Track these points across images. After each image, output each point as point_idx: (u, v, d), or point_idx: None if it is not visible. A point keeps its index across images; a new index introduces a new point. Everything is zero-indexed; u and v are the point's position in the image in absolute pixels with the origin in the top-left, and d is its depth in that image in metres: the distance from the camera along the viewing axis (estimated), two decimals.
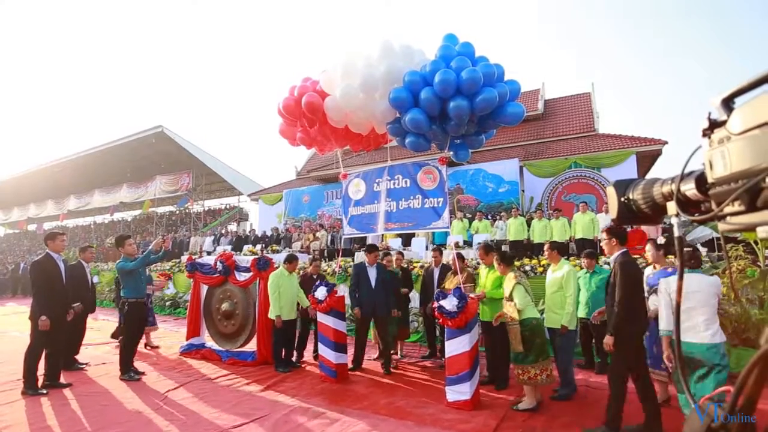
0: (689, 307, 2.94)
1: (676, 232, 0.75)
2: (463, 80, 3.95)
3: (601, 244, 3.72)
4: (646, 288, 3.90)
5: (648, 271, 4.10)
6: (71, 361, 5.42)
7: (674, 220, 0.76)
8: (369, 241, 11.21)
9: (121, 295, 5.25)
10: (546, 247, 4.57)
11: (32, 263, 4.78)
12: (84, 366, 5.50)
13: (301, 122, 5.12)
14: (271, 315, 5.15)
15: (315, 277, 5.65)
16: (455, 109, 4.05)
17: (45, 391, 4.42)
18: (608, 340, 3.18)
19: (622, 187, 0.91)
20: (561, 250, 4.49)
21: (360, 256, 10.29)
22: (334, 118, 4.81)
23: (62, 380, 4.76)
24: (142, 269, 5.22)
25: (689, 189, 0.71)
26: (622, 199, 0.90)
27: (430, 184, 4.84)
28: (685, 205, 0.74)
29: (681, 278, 0.82)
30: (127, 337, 5.09)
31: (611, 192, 0.93)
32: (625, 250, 3.35)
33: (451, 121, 4.27)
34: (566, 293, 4.09)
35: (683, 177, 0.73)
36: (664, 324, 3.13)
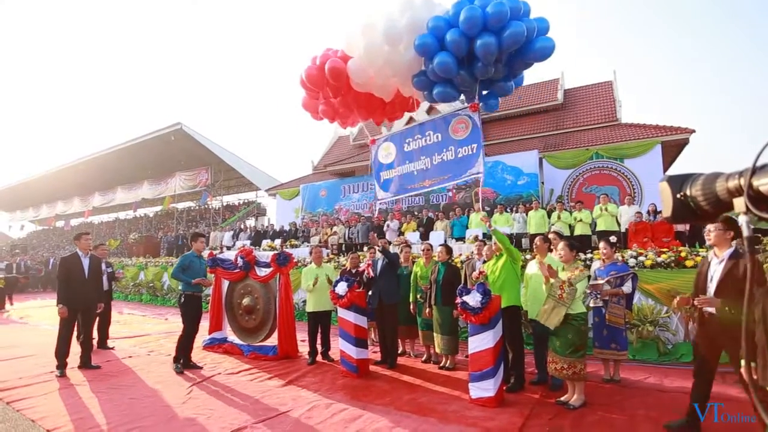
0: None
1: (746, 231, 0.69)
2: (489, 15, 3.77)
3: (708, 235, 3.03)
4: (594, 277, 4.40)
5: (596, 264, 4.61)
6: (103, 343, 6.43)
7: (743, 218, 0.70)
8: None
9: (179, 290, 5.57)
10: (538, 238, 4.28)
11: (60, 259, 5.21)
12: (111, 348, 6.38)
13: (324, 93, 5.02)
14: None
15: (354, 271, 5.46)
16: (483, 47, 3.89)
17: (60, 373, 4.83)
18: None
19: (677, 182, 0.84)
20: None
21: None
22: (358, 82, 4.70)
23: (93, 363, 5.26)
24: (200, 265, 5.47)
25: (763, 184, 0.65)
26: (678, 196, 0.83)
27: (462, 134, 4.76)
28: (757, 201, 0.67)
29: (751, 282, 0.75)
30: (186, 328, 5.23)
31: (665, 187, 0.86)
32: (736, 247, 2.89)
33: (478, 62, 4.11)
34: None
35: (755, 171, 0.67)
36: None
